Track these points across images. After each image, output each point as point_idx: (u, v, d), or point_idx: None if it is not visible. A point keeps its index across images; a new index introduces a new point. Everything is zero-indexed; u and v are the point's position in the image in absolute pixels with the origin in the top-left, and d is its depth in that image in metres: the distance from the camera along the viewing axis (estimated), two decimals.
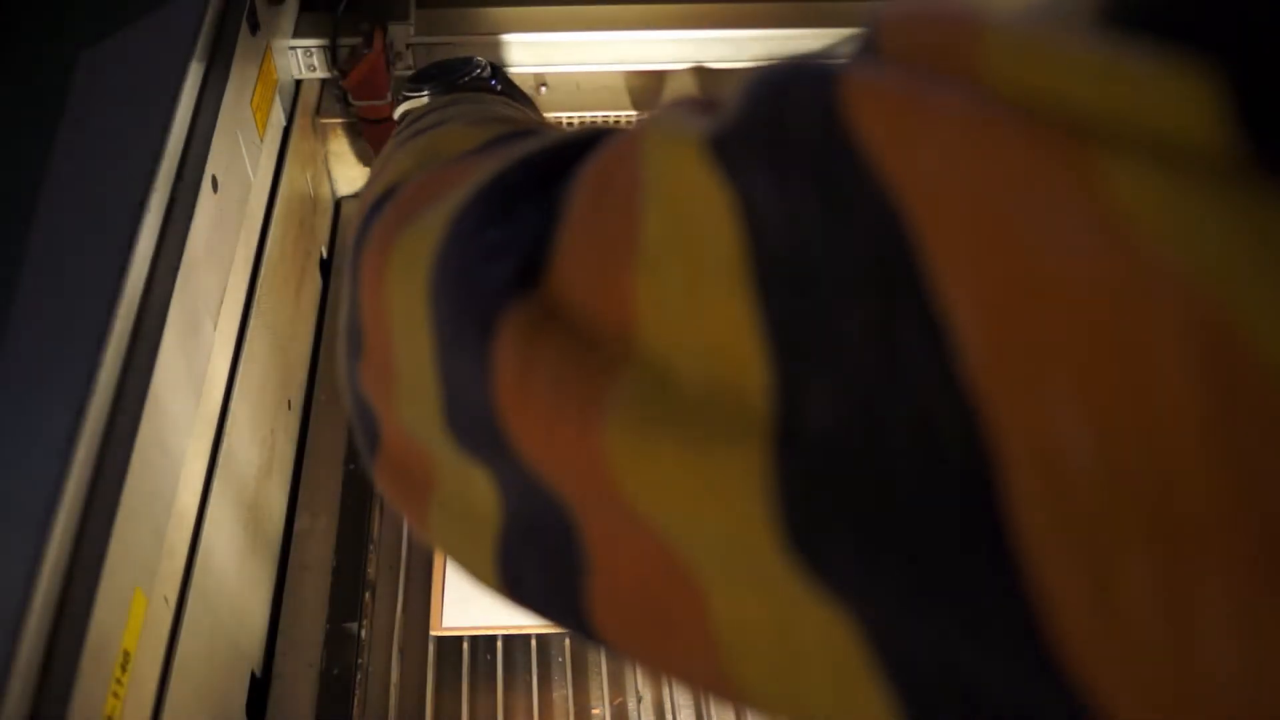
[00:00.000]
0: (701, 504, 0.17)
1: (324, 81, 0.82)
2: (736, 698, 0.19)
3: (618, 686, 0.67)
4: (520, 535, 0.23)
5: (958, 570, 0.14)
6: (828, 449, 0.15)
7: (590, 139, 0.23)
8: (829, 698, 0.17)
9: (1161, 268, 0.11)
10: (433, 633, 0.68)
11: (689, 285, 0.17)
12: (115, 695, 0.43)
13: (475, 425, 0.22)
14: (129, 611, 0.44)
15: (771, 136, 0.16)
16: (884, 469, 0.14)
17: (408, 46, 0.79)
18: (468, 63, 0.56)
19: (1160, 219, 0.11)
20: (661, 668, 0.21)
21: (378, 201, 0.28)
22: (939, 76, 0.14)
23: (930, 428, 0.14)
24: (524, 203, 0.23)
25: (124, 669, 0.44)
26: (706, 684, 0.20)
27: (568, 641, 0.68)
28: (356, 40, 0.77)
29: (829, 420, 0.15)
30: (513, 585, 0.24)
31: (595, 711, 0.66)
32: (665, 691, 0.66)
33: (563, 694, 0.66)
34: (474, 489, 0.24)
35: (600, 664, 0.67)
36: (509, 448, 0.21)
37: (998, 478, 0.13)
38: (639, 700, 0.66)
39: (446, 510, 0.26)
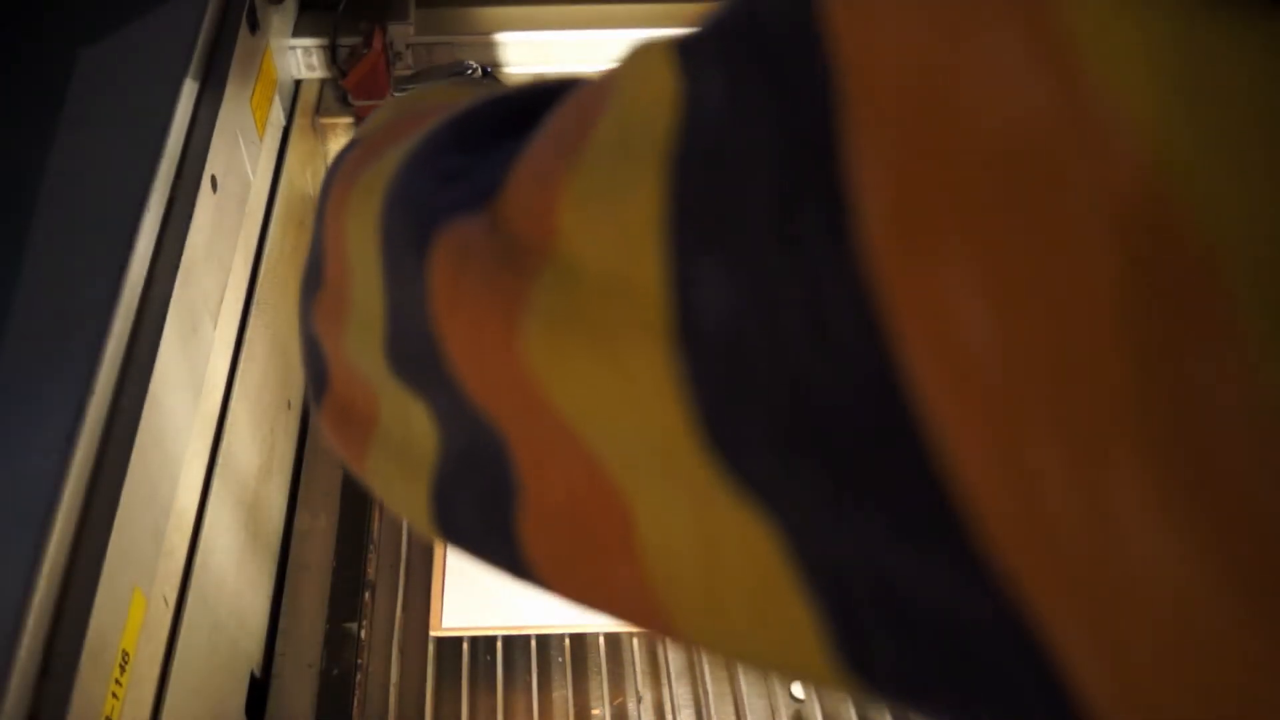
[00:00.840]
0: (618, 405, 0.17)
1: (324, 81, 0.82)
2: (666, 628, 0.19)
3: (618, 687, 0.67)
4: (455, 468, 0.23)
5: (873, 464, 0.13)
6: (727, 341, 0.14)
7: (570, 82, 0.22)
8: (752, 616, 0.16)
9: (1099, 103, 0.10)
10: (432, 633, 0.68)
11: (610, 178, 0.17)
12: (114, 696, 0.43)
13: (415, 349, 0.22)
14: (128, 612, 0.44)
15: (738, 28, 0.15)
16: (785, 360, 0.14)
17: (407, 46, 0.79)
18: (461, 66, 0.57)
19: (1106, 38, 0.10)
20: (593, 600, 0.20)
21: (352, 143, 0.28)
22: None
23: (828, 314, 0.13)
24: (490, 138, 0.22)
25: (123, 669, 0.44)
26: (636, 614, 0.19)
27: (568, 642, 0.68)
28: (356, 40, 0.77)
29: (724, 309, 0.14)
30: (446, 523, 0.23)
31: (595, 712, 0.66)
32: (665, 692, 0.66)
33: (563, 694, 0.66)
34: (413, 423, 0.24)
35: (600, 664, 0.67)
36: (443, 368, 0.21)
37: (900, 365, 0.12)
38: (639, 700, 0.66)
39: (385, 447, 0.25)
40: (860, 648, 0.15)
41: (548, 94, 0.23)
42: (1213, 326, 0.10)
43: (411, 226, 0.21)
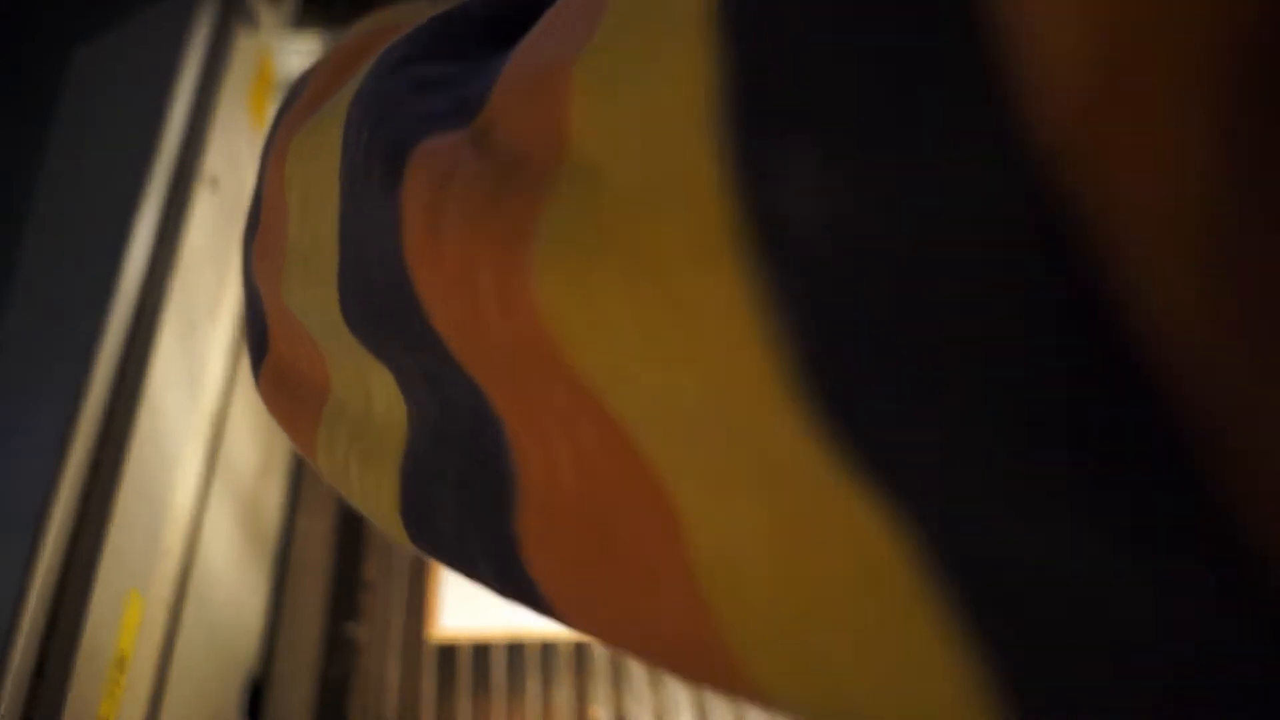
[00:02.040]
0: (666, 353, 0.12)
1: None
2: (725, 669, 0.13)
3: (619, 689, 0.66)
4: (430, 450, 0.18)
5: (1065, 403, 0.09)
6: (827, 253, 0.10)
7: None
8: (860, 652, 0.11)
9: None
10: (432, 635, 0.67)
11: (635, 53, 0.12)
12: (111, 698, 0.42)
13: (379, 298, 0.17)
14: (125, 613, 0.44)
15: None
16: (925, 274, 0.10)
17: None
18: None
19: None
20: (616, 626, 0.15)
21: (309, 69, 0.23)
22: None
23: (986, 207, 0.09)
24: (484, 41, 0.18)
25: (120, 671, 0.43)
26: (682, 650, 0.14)
27: (569, 645, 0.67)
28: None
29: (819, 210, 0.10)
30: (419, 523, 0.18)
31: (595, 711, 0.65)
32: (666, 694, 0.66)
33: (563, 697, 0.66)
34: (374, 393, 0.19)
35: (602, 667, 0.67)
36: (417, 321, 0.16)
37: (1100, 254, 0.08)
38: (640, 702, 0.66)
39: (339, 423, 0.20)
40: (1041, 711, 0.10)
41: None
42: None
43: (380, 144, 0.17)
